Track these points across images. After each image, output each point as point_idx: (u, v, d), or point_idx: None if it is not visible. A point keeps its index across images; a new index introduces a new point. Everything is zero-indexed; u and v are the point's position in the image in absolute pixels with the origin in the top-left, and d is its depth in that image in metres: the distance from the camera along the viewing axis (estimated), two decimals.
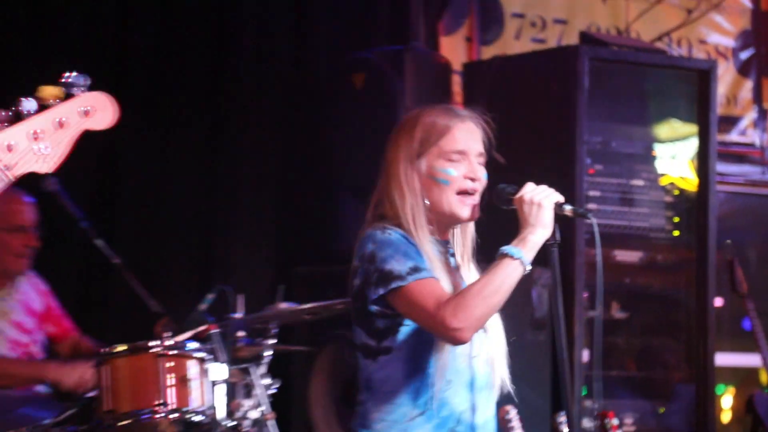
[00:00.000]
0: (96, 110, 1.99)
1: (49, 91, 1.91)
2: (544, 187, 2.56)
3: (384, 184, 2.65)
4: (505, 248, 2.52)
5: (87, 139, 2.02)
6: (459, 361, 2.67)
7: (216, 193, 5.43)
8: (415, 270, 2.54)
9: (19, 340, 4.59)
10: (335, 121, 5.35)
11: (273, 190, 5.51)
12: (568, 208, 2.56)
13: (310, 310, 4.40)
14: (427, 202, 2.63)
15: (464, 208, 2.62)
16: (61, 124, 1.94)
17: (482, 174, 2.61)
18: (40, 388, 4.45)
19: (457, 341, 2.53)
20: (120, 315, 4.88)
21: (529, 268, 2.52)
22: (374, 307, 2.59)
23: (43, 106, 1.91)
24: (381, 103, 5.14)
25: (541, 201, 2.58)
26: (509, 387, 2.76)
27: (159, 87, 5.38)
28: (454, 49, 5.95)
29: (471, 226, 2.74)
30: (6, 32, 5.17)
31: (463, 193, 2.60)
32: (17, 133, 1.89)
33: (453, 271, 2.72)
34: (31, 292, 4.56)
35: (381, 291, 2.55)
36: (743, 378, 6.68)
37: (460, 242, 2.76)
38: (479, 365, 2.69)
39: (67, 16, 5.26)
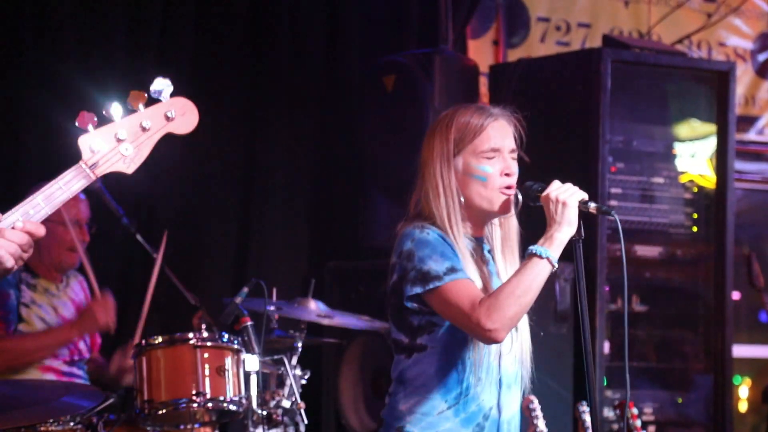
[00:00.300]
0: (178, 115, 2.13)
1: (134, 96, 2.06)
2: (569, 185, 2.66)
3: (421, 183, 2.77)
4: (533, 248, 2.65)
5: None
6: (490, 359, 2.78)
7: (251, 190, 5.51)
8: (452, 270, 2.65)
9: (55, 362, 4.70)
10: (367, 122, 5.40)
11: (307, 188, 5.59)
12: (592, 205, 2.65)
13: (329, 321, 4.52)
14: (462, 199, 2.74)
15: (501, 203, 2.73)
16: (144, 129, 2.09)
17: (516, 169, 2.73)
18: (81, 380, 4.59)
19: (492, 341, 2.64)
20: (159, 308, 4.87)
21: (556, 265, 2.63)
22: (410, 304, 2.70)
23: (129, 111, 2.08)
24: (411, 105, 5.20)
25: (566, 199, 2.66)
26: (533, 379, 2.91)
27: (196, 85, 5.33)
28: (481, 52, 6.03)
29: (512, 220, 2.84)
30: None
31: (500, 188, 2.71)
32: (103, 135, 2.07)
33: (485, 268, 2.82)
34: (79, 289, 4.71)
35: (418, 290, 2.65)
36: (759, 369, 6.71)
37: (498, 236, 2.87)
38: (508, 363, 2.80)
39: (111, 17, 5.30)
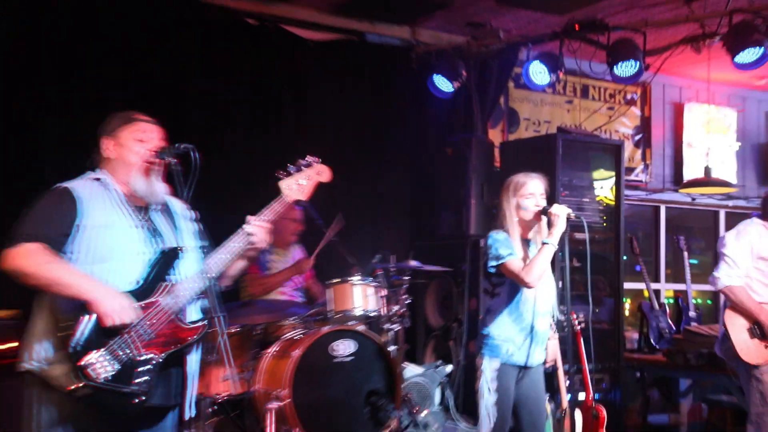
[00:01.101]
0: (323, 173, 3.25)
1: (310, 159, 3.19)
2: (562, 206, 3.88)
3: (499, 210, 4.02)
4: (545, 239, 3.87)
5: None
6: (529, 296, 3.92)
7: (379, 201, 6.94)
8: (510, 254, 3.84)
9: (285, 289, 5.71)
10: (438, 170, 6.93)
11: (407, 202, 7.07)
12: (572, 216, 3.85)
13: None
14: (516, 219, 3.98)
15: (537, 221, 3.94)
16: (308, 178, 3.17)
17: (543, 203, 3.93)
18: (299, 299, 5.74)
19: (530, 287, 3.81)
20: (334, 265, 5.75)
21: (556, 248, 3.82)
22: (491, 270, 3.94)
23: (297, 169, 3.16)
24: (460, 164, 6.64)
25: (558, 213, 3.85)
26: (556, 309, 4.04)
27: (344, 148, 6.55)
28: (495, 135, 7.34)
29: (542, 227, 3.91)
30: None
31: (534, 212, 3.94)
32: (295, 178, 3.13)
33: (527, 253, 3.92)
34: (296, 253, 5.82)
35: (494, 263, 3.90)
36: (634, 294, 8.15)
37: (537, 237, 3.99)
38: (539, 300, 3.94)
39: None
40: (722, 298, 4.96)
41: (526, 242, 3.98)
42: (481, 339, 3.97)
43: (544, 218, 3.90)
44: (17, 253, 2.81)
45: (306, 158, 3.22)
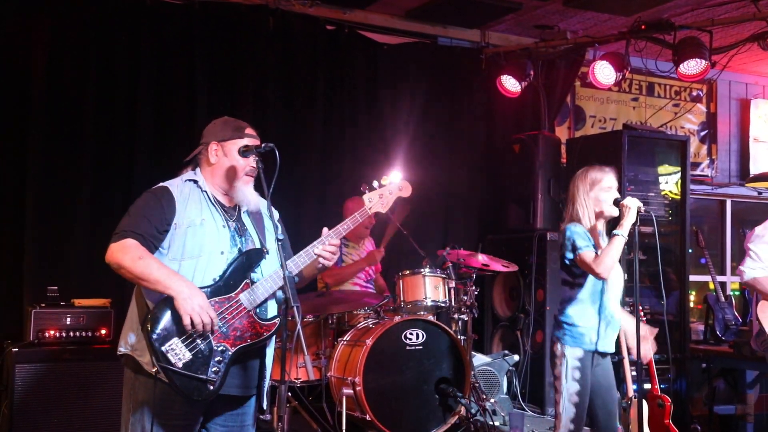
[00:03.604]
0: (405, 189, 3.26)
1: (392, 177, 3.22)
2: (633, 199, 3.77)
3: (573, 203, 3.90)
4: (616, 231, 3.74)
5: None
6: (615, 286, 3.84)
7: (449, 196, 6.91)
8: (586, 246, 3.74)
9: (359, 281, 5.75)
10: (505, 167, 6.85)
11: (477, 200, 7.02)
12: (642, 209, 3.73)
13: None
14: (594, 211, 3.86)
15: (613, 214, 3.85)
16: (390, 192, 3.21)
17: (617, 196, 3.84)
18: (371, 290, 5.77)
19: (602, 278, 3.72)
20: (406, 258, 6.07)
21: (626, 239, 3.72)
22: (568, 262, 3.84)
23: (381, 185, 3.20)
24: (527, 160, 6.57)
25: (630, 205, 3.74)
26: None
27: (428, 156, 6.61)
28: (562, 133, 7.31)
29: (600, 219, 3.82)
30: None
31: (610, 204, 3.85)
32: (378, 192, 3.21)
33: (600, 244, 3.82)
34: (368, 245, 5.91)
35: (570, 255, 3.81)
36: (700, 287, 7.96)
37: (602, 228, 3.90)
38: (613, 288, 3.86)
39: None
40: (753, 294, 4.86)
41: (597, 234, 3.91)
42: (561, 328, 3.87)
43: (615, 210, 3.80)
44: (117, 247, 2.87)
45: (392, 173, 3.24)
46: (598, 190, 3.84)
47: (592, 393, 3.86)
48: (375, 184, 3.18)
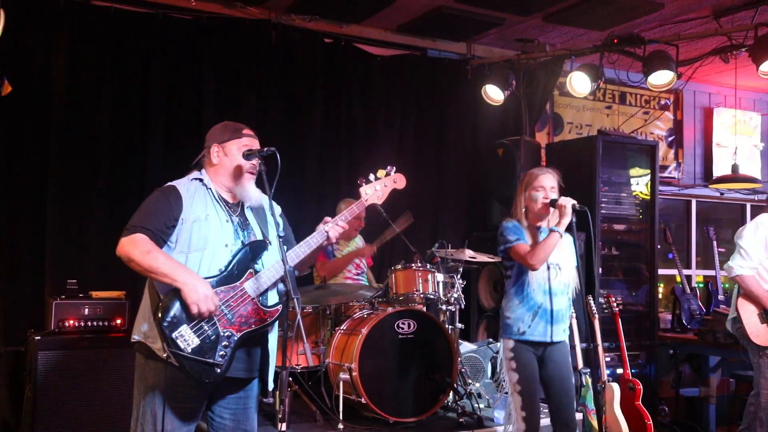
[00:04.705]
0: (399, 181, 3.25)
1: (385, 171, 3.17)
2: (568, 198, 3.72)
3: (513, 201, 3.93)
4: (553, 227, 3.70)
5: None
6: (537, 277, 3.75)
7: (438, 197, 6.87)
8: (517, 239, 3.74)
9: (350, 274, 5.72)
10: (490, 169, 6.76)
11: (464, 197, 7.00)
12: (577, 206, 3.68)
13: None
14: (525, 208, 3.86)
15: (544, 213, 3.82)
16: (385, 185, 3.18)
17: (553, 196, 3.77)
18: (363, 282, 5.66)
19: (534, 269, 3.69)
20: (400, 253, 5.96)
21: (562, 235, 3.66)
22: (501, 255, 3.85)
23: (386, 174, 3.20)
24: (510, 163, 6.53)
25: (566, 204, 3.69)
26: (575, 294, 3.81)
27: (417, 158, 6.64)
28: (542, 138, 7.27)
29: (553, 216, 3.77)
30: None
31: (542, 203, 3.81)
32: (374, 185, 3.19)
33: (536, 239, 3.77)
34: (359, 243, 5.87)
35: (502, 247, 3.80)
36: (668, 280, 7.92)
37: (545, 224, 3.86)
38: (555, 283, 3.74)
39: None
40: (736, 287, 4.89)
41: (537, 230, 3.82)
42: (500, 320, 3.85)
43: (553, 209, 3.73)
44: (127, 241, 2.86)
45: (386, 167, 3.22)
46: (531, 189, 3.80)
47: (546, 386, 3.77)
48: (371, 177, 3.17)
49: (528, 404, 3.64)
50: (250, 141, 3.09)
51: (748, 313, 4.66)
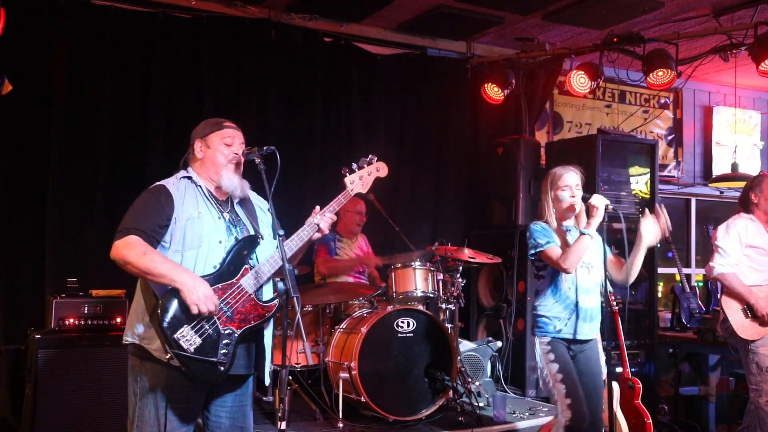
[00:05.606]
0: (381, 169, 3.23)
1: (367, 161, 3.16)
2: (601, 197, 3.67)
3: (540, 202, 3.89)
4: (583, 230, 3.66)
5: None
6: (572, 277, 3.74)
7: (438, 195, 6.84)
8: (548, 242, 3.69)
9: (353, 272, 5.77)
10: (489, 168, 6.82)
11: (464, 198, 6.98)
12: (610, 207, 3.64)
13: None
14: (554, 209, 3.82)
15: (571, 211, 3.80)
16: (369, 174, 3.18)
17: (579, 194, 3.74)
18: (364, 281, 5.72)
19: (568, 272, 3.68)
20: (398, 251, 5.85)
21: (592, 237, 3.61)
22: (532, 258, 3.81)
23: (360, 167, 3.17)
24: (510, 162, 6.57)
25: (598, 205, 3.62)
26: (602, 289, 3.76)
27: (408, 150, 6.61)
28: (541, 136, 7.27)
29: (582, 215, 3.75)
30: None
31: (570, 202, 3.77)
32: (358, 174, 3.17)
33: (566, 240, 3.73)
34: (362, 243, 5.88)
35: (533, 251, 3.77)
36: (667, 278, 7.94)
37: (573, 224, 3.85)
38: (587, 282, 3.73)
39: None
40: (719, 284, 4.89)
41: (563, 230, 3.82)
42: (532, 318, 3.82)
43: (584, 207, 3.69)
44: (121, 244, 2.82)
45: (368, 156, 3.19)
46: (557, 189, 3.77)
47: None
48: (354, 166, 3.15)
49: (572, 391, 3.60)
50: (232, 132, 3.07)
51: (733, 310, 4.69)
